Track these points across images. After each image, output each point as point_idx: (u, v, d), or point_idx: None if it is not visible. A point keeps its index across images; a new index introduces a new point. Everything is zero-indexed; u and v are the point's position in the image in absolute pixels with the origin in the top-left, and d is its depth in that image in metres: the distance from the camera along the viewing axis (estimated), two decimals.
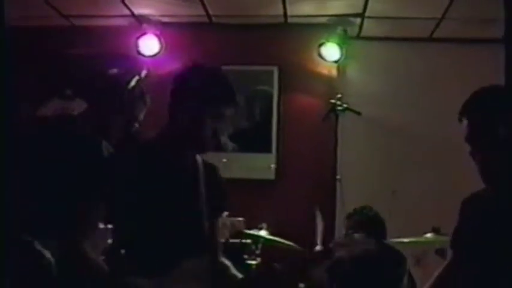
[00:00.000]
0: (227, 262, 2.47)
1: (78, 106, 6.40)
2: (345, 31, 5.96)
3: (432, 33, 5.93)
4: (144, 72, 3.00)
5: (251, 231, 4.73)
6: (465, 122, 2.46)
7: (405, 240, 4.50)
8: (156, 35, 6.01)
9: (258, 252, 4.57)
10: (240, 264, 3.42)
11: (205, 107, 2.30)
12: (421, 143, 5.78)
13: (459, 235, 2.59)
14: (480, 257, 2.41)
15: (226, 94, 2.34)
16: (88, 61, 6.15)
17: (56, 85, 6.07)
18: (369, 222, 4.58)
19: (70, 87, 6.25)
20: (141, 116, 2.97)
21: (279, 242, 4.79)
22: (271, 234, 4.79)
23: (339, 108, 5.27)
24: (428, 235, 4.42)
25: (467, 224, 2.54)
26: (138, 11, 5.88)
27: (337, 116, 5.34)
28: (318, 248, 4.67)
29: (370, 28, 6.02)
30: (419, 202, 5.51)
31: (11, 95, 2.26)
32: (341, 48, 5.88)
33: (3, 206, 2.56)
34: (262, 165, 5.96)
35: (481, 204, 2.49)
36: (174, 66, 5.38)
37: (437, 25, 5.75)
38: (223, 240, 3.62)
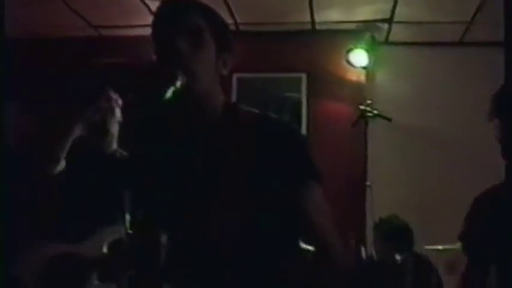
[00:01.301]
0: None
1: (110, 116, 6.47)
2: (373, 37, 5.93)
3: (461, 37, 5.87)
4: None
5: None
6: (496, 121, 2.39)
7: (439, 247, 4.45)
8: None
9: None
10: None
11: None
12: (452, 148, 5.71)
13: (473, 236, 2.51)
14: (498, 257, 2.34)
15: None
16: (116, 70, 6.23)
17: (86, 95, 6.15)
18: (396, 232, 4.55)
19: (100, 97, 6.34)
20: None
21: (310, 251, 4.75)
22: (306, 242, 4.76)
23: (369, 114, 5.25)
24: None
25: (483, 223, 2.46)
26: None
27: (366, 122, 5.33)
28: None
29: (398, 33, 5.98)
30: (452, 208, 5.42)
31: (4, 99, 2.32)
32: (369, 54, 5.85)
33: (3, 206, 2.61)
34: None
35: (497, 202, 2.41)
36: None
37: (467, 29, 5.69)
38: None
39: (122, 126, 3.45)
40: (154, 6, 5.51)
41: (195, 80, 1.68)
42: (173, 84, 1.60)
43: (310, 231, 1.76)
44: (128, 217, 3.43)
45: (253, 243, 1.68)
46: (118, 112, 3.50)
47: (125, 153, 3.51)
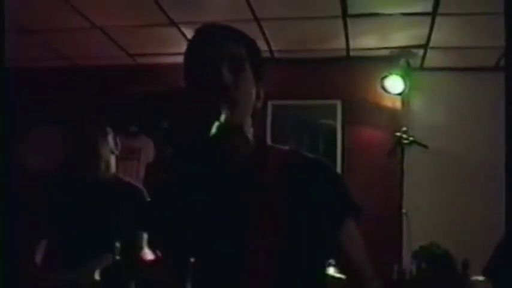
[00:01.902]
0: None
1: (143, 142, 6.57)
2: (408, 63, 5.90)
3: (497, 62, 5.81)
4: None
5: None
6: None
7: (480, 278, 4.36)
8: None
9: None
10: None
11: None
12: (489, 175, 5.60)
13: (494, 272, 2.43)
14: None
15: None
16: (152, 98, 6.31)
17: (122, 122, 6.24)
18: (437, 260, 4.49)
19: (135, 124, 6.44)
20: None
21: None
22: (339, 271, 4.71)
23: (405, 141, 5.22)
24: None
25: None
26: None
27: (402, 150, 5.29)
28: None
29: (433, 59, 5.95)
30: (491, 236, 5.32)
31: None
32: (404, 80, 5.81)
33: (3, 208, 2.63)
34: None
35: None
36: None
37: (503, 54, 5.62)
38: None
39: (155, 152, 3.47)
40: (189, 34, 5.59)
41: (236, 110, 1.61)
42: (218, 118, 1.52)
43: (348, 266, 1.73)
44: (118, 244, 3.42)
45: (284, 278, 1.60)
46: (110, 139, 3.59)
47: (123, 178, 3.60)
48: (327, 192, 1.71)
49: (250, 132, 1.73)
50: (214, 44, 1.66)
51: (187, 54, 1.73)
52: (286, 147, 1.82)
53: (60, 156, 3.64)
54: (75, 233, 3.33)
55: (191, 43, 1.73)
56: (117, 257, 3.16)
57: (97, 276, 3.32)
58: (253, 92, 1.71)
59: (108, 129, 3.61)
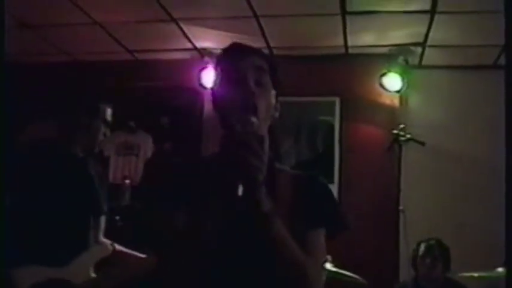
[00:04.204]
0: None
1: (142, 138, 6.59)
2: (406, 60, 5.91)
3: (495, 60, 5.82)
4: None
5: None
6: None
7: (475, 274, 4.39)
8: None
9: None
10: None
11: None
12: (487, 173, 5.62)
13: None
14: None
15: None
16: (152, 94, 6.34)
17: (121, 118, 6.25)
18: (437, 247, 4.57)
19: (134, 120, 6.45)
20: None
21: (343, 275, 4.72)
22: (336, 266, 4.73)
23: (402, 138, 5.24)
24: (500, 269, 4.19)
25: None
26: (201, 44, 5.98)
27: (400, 147, 5.31)
28: None
29: (431, 56, 5.96)
30: (488, 234, 5.34)
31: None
32: (402, 78, 5.83)
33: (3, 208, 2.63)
34: None
35: None
36: None
37: (501, 52, 5.64)
38: None
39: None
40: (188, 30, 5.61)
41: (257, 118, 1.70)
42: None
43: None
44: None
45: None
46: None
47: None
48: (325, 208, 1.88)
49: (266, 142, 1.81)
50: (241, 57, 1.84)
51: (218, 69, 1.87)
52: (290, 171, 1.97)
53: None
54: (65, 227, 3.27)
55: (221, 59, 1.89)
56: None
57: (91, 271, 3.31)
58: (273, 102, 1.85)
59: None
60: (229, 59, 1.85)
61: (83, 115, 3.45)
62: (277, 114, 1.88)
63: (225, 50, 1.89)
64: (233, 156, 1.53)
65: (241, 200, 1.55)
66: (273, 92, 1.86)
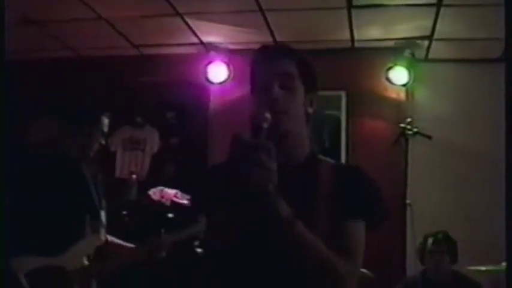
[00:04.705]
0: None
1: (148, 133, 6.59)
2: (413, 54, 5.90)
3: (502, 53, 5.79)
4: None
5: None
6: None
7: (482, 268, 4.38)
8: (224, 62, 6.09)
9: None
10: None
11: None
12: (494, 167, 5.59)
13: None
14: None
15: None
16: (158, 89, 6.34)
17: (127, 113, 6.25)
18: (444, 241, 4.56)
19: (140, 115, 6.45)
20: None
21: None
22: None
23: (409, 132, 5.23)
24: (505, 263, 4.21)
25: None
26: (206, 38, 5.98)
27: (407, 140, 5.30)
28: None
29: (438, 50, 5.95)
30: (495, 228, 5.31)
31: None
32: (409, 71, 5.82)
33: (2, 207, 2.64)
34: None
35: None
36: (242, 93, 5.45)
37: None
38: None
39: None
40: (193, 24, 5.60)
41: (285, 118, 1.81)
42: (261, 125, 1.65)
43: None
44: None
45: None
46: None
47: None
48: (366, 199, 1.96)
49: (306, 144, 1.96)
50: (269, 62, 1.90)
51: (251, 71, 1.96)
52: (332, 162, 2.02)
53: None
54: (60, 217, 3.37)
55: (253, 62, 1.96)
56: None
57: (85, 260, 3.40)
58: (303, 102, 1.92)
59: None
60: (256, 64, 1.93)
61: (83, 124, 3.55)
62: (310, 110, 1.96)
63: (254, 54, 1.96)
64: (240, 170, 1.56)
65: (257, 209, 1.61)
66: (302, 89, 1.92)
